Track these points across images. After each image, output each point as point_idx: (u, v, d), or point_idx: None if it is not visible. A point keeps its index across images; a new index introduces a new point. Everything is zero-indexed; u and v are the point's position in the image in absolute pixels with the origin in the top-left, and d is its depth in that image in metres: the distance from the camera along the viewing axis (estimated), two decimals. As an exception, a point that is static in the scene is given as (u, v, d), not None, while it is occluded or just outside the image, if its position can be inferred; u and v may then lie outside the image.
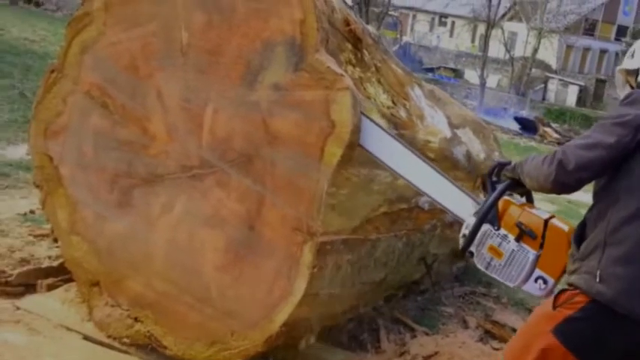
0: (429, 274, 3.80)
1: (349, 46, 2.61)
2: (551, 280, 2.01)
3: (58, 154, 2.79)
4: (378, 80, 2.86)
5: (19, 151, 4.95)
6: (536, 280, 2.03)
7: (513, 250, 2.05)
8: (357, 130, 2.30)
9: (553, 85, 34.08)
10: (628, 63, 2.01)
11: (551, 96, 33.70)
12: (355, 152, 2.34)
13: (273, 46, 2.35)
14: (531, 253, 2.03)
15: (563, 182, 1.85)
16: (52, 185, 2.82)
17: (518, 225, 2.05)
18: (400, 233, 3.06)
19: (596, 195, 1.89)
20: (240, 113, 2.42)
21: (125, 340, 2.70)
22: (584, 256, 1.83)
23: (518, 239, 2.05)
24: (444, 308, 3.79)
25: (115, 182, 2.69)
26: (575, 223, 2.04)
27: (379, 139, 2.37)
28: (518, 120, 21.99)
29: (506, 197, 2.13)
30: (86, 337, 2.73)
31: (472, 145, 3.87)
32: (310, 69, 2.30)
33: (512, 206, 2.11)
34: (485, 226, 2.10)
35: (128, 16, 2.60)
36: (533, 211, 2.11)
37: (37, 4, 19.64)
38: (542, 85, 33.74)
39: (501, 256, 2.07)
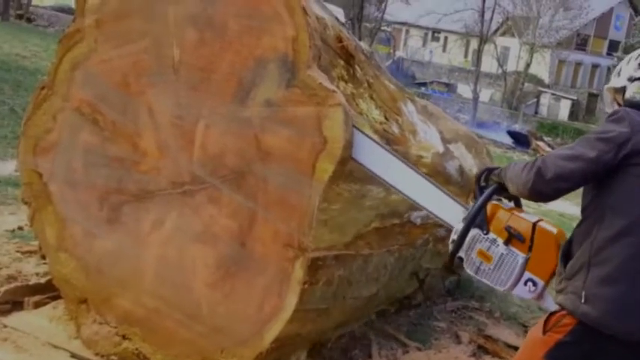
0: (421, 288, 3.80)
1: (341, 62, 2.62)
2: (540, 283, 2.01)
3: (47, 171, 2.77)
4: (371, 96, 2.87)
5: (8, 167, 4.92)
6: (525, 283, 2.03)
7: (502, 253, 2.05)
8: (349, 145, 2.30)
9: (545, 100, 34.36)
10: (615, 81, 2.03)
11: (543, 110, 33.95)
12: (347, 168, 2.34)
13: (266, 63, 2.35)
14: (520, 257, 2.03)
15: (540, 190, 1.86)
16: (41, 202, 2.80)
17: (507, 229, 2.05)
18: (392, 248, 3.05)
19: (583, 211, 1.90)
20: (232, 129, 2.42)
21: (113, 357, 2.68)
22: (570, 275, 1.83)
23: (507, 243, 2.05)
24: (436, 323, 3.77)
25: (105, 199, 2.67)
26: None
27: (363, 146, 2.37)
28: (511, 134, 22.13)
29: (494, 202, 2.14)
30: (74, 355, 2.70)
31: (465, 159, 3.88)
32: (302, 85, 2.30)
33: (501, 210, 2.11)
34: (474, 231, 2.11)
35: (120, 33, 2.60)
36: (522, 214, 2.11)
37: (29, 20, 19.67)
38: (535, 100, 34.01)
39: (490, 260, 2.07)
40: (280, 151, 2.34)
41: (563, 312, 1.82)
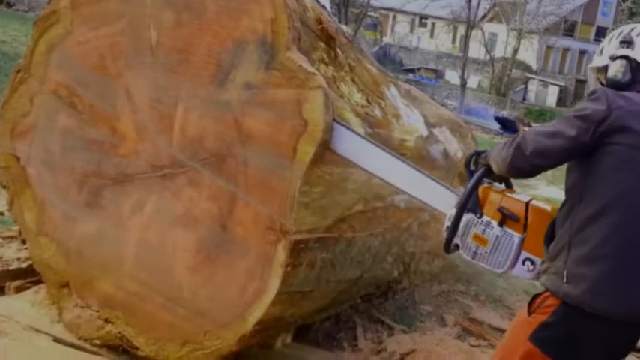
0: (406, 272, 3.81)
1: (322, 44, 2.60)
2: (538, 260, 2.01)
3: (25, 155, 2.75)
4: (352, 79, 2.86)
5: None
6: (523, 263, 2.04)
7: (498, 235, 2.05)
8: (329, 128, 2.29)
9: (533, 86, 34.48)
10: (597, 60, 2.03)
11: (531, 96, 34.09)
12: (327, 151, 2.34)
13: (244, 44, 2.33)
14: (516, 237, 2.03)
15: (518, 166, 1.87)
16: (19, 186, 2.77)
17: (500, 210, 2.05)
18: (376, 232, 3.06)
19: (565, 193, 1.91)
20: (212, 112, 2.40)
21: (96, 341, 2.68)
22: (553, 256, 1.85)
23: (501, 224, 2.05)
24: (421, 306, 3.79)
25: (84, 182, 2.65)
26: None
27: (350, 142, 2.36)
28: (499, 120, 22.23)
29: (485, 185, 2.14)
30: (56, 339, 2.69)
31: (449, 144, 3.89)
32: (282, 67, 2.29)
33: (492, 193, 2.12)
34: (468, 216, 2.11)
35: (96, 14, 2.57)
36: (514, 195, 2.12)
37: (9, 5, 19.32)
38: (523, 86, 34.12)
39: (486, 243, 2.07)
40: (260, 134, 2.33)
41: (547, 293, 1.83)
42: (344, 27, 3.15)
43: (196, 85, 2.41)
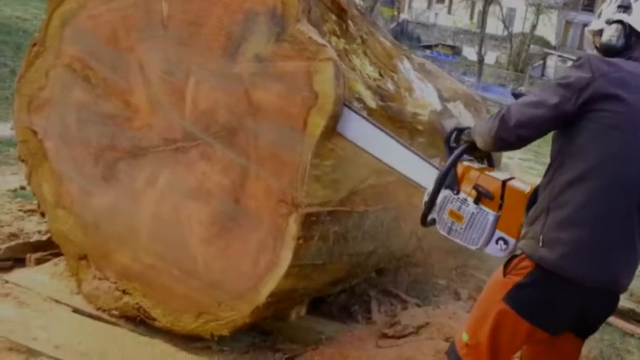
0: (420, 247, 3.81)
1: (333, 16, 2.58)
2: (512, 240, 2.01)
3: (42, 128, 2.78)
4: (364, 52, 2.84)
5: (9, 128, 4.93)
6: (497, 242, 2.03)
7: (473, 212, 2.05)
8: (340, 100, 2.29)
9: (552, 62, 33.81)
10: (594, 23, 1.98)
11: (550, 72, 33.46)
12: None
13: (255, 16, 2.33)
14: (491, 214, 2.03)
15: (503, 138, 1.85)
16: (37, 159, 2.82)
17: (476, 187, 2.05)
18: (389, 206, 3.06)
19: (550, 162, 1.88)
20: (223, 85, 2.41)
21: (114, 312, 2.73)
22: (531, 221, 1.83)
23: (477, 202, 2.05)
24: (436, 280, 3.81)
25: (100, 156, 2.69)
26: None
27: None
28: (516, 96, 21.89)
29: (465, 162, 2.13)
30: (75, 310, 2.75)
31: (463, 118, 3.85)
32: (292, 39, 2.28)
33: (471, 170, 2.11)
34: (445, 192, 2.11)
35: (108, -13, 2.57)
36: (492, 173, 2.11)
37: (31, -17, 19.35)
38: (541, 62, 33.50)
39: (462, 219, 2.07)
40: (271, 107, 2.33)
41: (523, 255, 1.82)
42: (357, 0, 3.11)
43: (207, 58, 2.42)
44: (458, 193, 2.09)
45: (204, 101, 2.45)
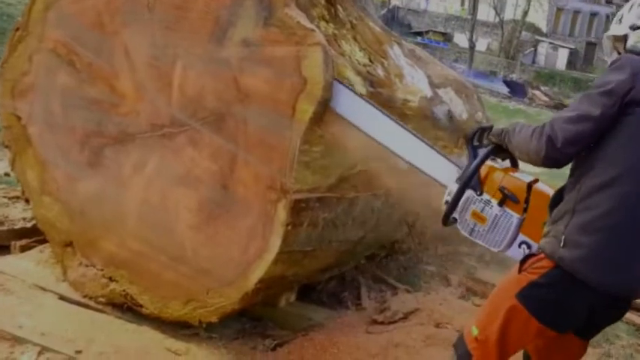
0: (410, 233, 3.81)
1: (322, 1, 2.56)
2: (535, 245, 1.97)
3: (26, 114, 2.75)
4: (354, 37, 2.81)
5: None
6: (519, 245, 2.01)
7: (496, 214, 2.02)
8: (329, 86, 2.27)
9: (543, 49, 33.94)
10: (616, 29, 1.95)
11: (541, 59, 33.58)
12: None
13: (242, 0, 2.29)
14: (515, 218, 2.00)
15: (553, 158, 1.81)
16: (21, 145, 2.78)
17: (501, 189, 2.01)
18: (379, 192, 3.05)
19: (576, 160, 1.86)
20: (210, 70, 2.38)
21: (101, 299, 2.72)
22: (555, 220, 1.82)
23: (501, 204, 2.01)
24: (426, 267, 3.81)
25: (86, 142, 2.65)
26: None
27: (356, 107, 2.33)
28: (507, 83, 21.98)
29: (489, 162, 2.09)
30: (62, 297, 2.73)
31: (454, 104, 3.84)
32: (280, 24, 2.25)
33: (496, 171, 2.07)
34: (468, 192, 2.07)
35: (92, -30, 2.53)
36: (517, 175, 2.07)
37: (16, -33, 19.08)
38: (532, 49, 33.59)
39: (485, 221, 2.04)
40: (259, 92, 2.31)
41: (542, 255, 1.82)
42: (346, -16, 3.08)
43: (194, 43, 2.39)
44: (481, 194, 2.05)
45: (191, 87, 2.42)
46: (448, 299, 3.43)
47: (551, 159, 1.81)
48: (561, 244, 1.76)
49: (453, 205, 2.09)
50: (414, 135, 2.36)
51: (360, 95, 2.39)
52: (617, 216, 1.72)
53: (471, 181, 2.07)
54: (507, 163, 2.14)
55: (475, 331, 1.91)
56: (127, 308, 2.68)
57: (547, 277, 1.79)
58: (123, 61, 2.52)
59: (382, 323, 3.02)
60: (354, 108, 2.33)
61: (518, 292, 1.81)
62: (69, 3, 2.58)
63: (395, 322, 3.04)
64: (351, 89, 2.36)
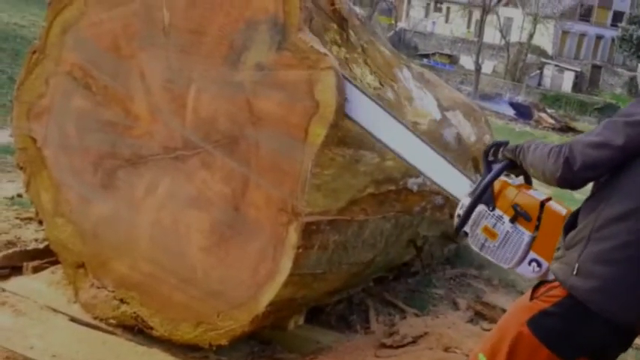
0: (419, 256, 3.80)
1: (334, 25, 2.59)
2: (545, 264, 1.96)
3: (41, 136, 2.77)
4: (365, 61, 2.84)
5: (7, 136, 4.92)
6: (530, 263, 1.99)
7: (508, 231, 2.00)
8: (341, 109, 2.29)
9: (549, 71, 34.06)
10: None
11: (546, 82, 33.68)
12: (339, 132, 2.33)
13: (256, 25, 2.33)
14: (526, 235, 1.98)
15: (569, 180, 1.80)
16: (36, 167, 2.81)
17: (514, 206, 2.00)
18: (388, 215, 3.05)
19: (594, 185, 1.85)
20: (224, 93, 2.41)
21: (111, 321, 2.71)
22: (569, 246, 1.81)
23: (513, 220, 2.00)
24: (434, 290, 3.79)
25: (99, 164, 2.68)
26: (569, 205, 2.01)
27: (373, 114, 2.33)
28: (513, 105, 22.06)
29: (502, 178, 2.08)
30: (73, 319, 2.73)
31: (462, 127, 3.86)
32: (293, 48, 2.28)
33: (509, 187, 2.06)
34: (480, 207, 2.06)
35: (109, -5, 2.57)
36: (530, 192, 2.05)
37: (29, -11, 19.39)
38: (538, 71, 33.72)
39: (496, 237, 2.02)
40: (272, 116, 2.33)
41: (555, 283, 1.81)
42: (357, 9, 3.12)
43: (209, 66, 2.42)
44: (494, 209, 2.04)
45: (205, 109, 2.44)
46: (456, 323, 3.40)
47: (566, 180, 1.79)
48: (574, 272, 1.74)
49: (465, 218, 2.08)
50: (429, 145, 2.36)
51: (374, 100, 2.39)
52: (632, 250, 1.70)
53: (484, 195, 2.06)
54: (521, 179, 2.13)
55: (482, 359, 1.89)
56: (138, 330, 2.68)
57: (559, 306, 1.77)
58: (138, 84, 2.55)
59: (391, 347, 3.00)
60: (368, 113, 2.34)
61: (529, 319, 1.80)
62: (86, 27, 2.63)
63: (404, 345, 3.02)
64: (366, 93, 2.36)
